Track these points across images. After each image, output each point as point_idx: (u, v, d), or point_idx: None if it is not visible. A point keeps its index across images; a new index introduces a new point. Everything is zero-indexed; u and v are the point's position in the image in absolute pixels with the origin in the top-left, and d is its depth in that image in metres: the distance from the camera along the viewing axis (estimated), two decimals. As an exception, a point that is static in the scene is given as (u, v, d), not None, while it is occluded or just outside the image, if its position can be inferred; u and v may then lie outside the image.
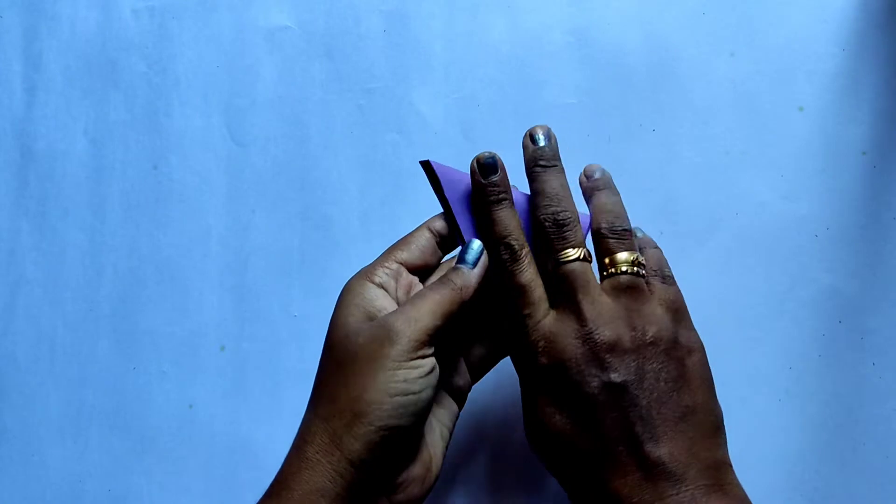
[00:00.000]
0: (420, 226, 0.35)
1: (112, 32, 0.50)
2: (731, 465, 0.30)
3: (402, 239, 0.35)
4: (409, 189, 0.44)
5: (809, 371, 0.39)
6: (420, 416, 0.30)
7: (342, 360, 0.30)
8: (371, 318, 0.31)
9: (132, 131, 0.49)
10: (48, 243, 0.48)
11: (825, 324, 0.39)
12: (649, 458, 0.28)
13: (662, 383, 0.30)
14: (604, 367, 0.30)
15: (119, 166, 0.48)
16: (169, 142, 0.48)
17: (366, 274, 0.33)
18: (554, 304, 0.33)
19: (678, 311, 0.33)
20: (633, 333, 0.31)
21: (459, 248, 0.34)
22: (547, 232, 0.33)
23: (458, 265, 0.33)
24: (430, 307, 0.31)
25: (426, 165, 0.35)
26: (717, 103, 0.42)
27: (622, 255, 0.33)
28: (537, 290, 0.33)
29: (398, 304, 0.33)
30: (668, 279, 0.34)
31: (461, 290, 0.32)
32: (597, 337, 0.30)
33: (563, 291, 0.32)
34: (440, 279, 0.33)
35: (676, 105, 0.42)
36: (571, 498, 0.31)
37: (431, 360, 0.31)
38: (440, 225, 0.35)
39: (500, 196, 0.34)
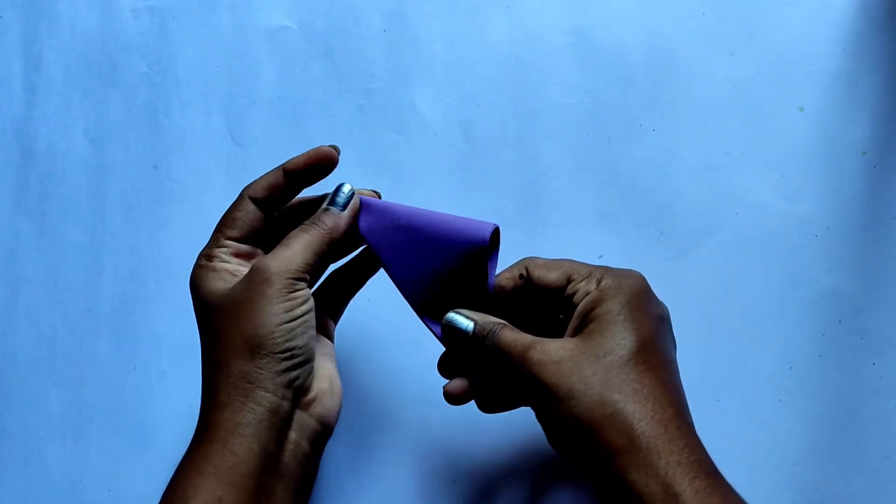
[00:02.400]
0: (240, 195, 0.36)
1: (112, 32, 0.50)
2: None
3: (226, 214, 0.35)
4: (409, 189, 0.44)
5: (810, 371, 0.39)
6: (310, 333, 0.33)
7: (226, 314, 0.32)
8: (224, 281, 0.34)
9: (132, 131, 0.49)
10: (48, 243, 0.48)
11: (825, 324, 0.39)
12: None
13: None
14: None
15: (119, 166, 0.48)
16: (169, 142, 0.48)
17: (206, 265, 0.34)
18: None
19: None
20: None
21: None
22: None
23: (329, 206, 0.35)
24: (301, 247, 0.33)
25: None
26: (718, 103, 0.42)
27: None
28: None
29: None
30: None
31: (331, 230, 0.34)
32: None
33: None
34: (310, 220, 0.34)
35: (677, 105, 0.42)
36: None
37: (307, 292, 0.33)
38: (258, 189, 0.35)
39: None
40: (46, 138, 0.50)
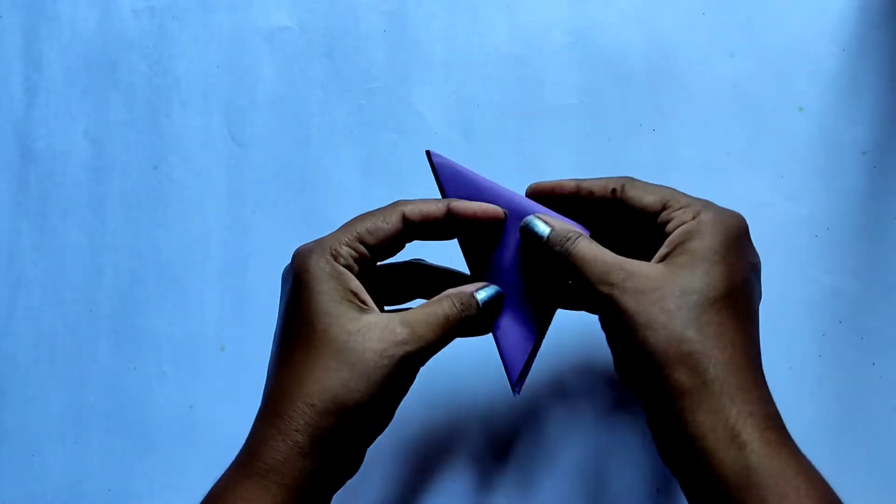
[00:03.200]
0: (393, 206, 0.32)
1: (112, 33, 0.50)
2: None
3: (370, 219, 0.32)
4: (410, 189, 0.44)
5: (810, 371, 0.39)
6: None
7: (336, 356, 0.29)
8: (355, 307, 0.30)
9: (132, 132, 0.49)
10: (48, 244, 0.48)
11: (825, 324, 0.39)
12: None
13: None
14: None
15: (119, 167, 0.48)
16: (169, 142, 0.48)
17: (332, 263, 0.30)
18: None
19: None
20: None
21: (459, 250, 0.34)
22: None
23: (476, 295, 0.32)
24: (441, 327, 0.30)
25: (428, 156, 0.35)
26: (718, 103, 0.42)
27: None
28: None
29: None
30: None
31: (464, 320, 0.31)
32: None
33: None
34: (454, 300, 0.31)
35: (677, 105, 0.42)
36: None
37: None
38: (415, 211, 0.32)
39: None
40: (46, 139, 0.50)
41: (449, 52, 0.45)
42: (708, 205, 0.31)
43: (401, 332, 0.29)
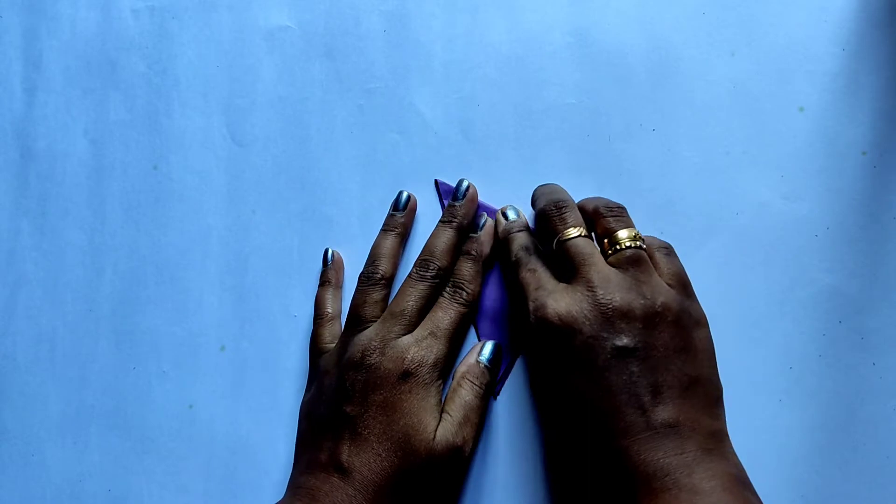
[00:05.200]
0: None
1: (112, 32, 0.50)
2: (728, 436, 0.31)
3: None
4: (409, 189, 0.44)
5: (810, 371, 0.39)
6: None
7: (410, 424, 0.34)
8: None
9: (132, 131, 0.49)
10: (48, 243, 0.48)
11: (825, 324, 0.39)
12: (656, 420, 0.29)
13: (671, 352, 0.31)
14: (615, 330, 0.31)
15: (119, 166, 0.48)
16: (169, 142, 0.48)
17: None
18: (562, 279, 0.34)
19: (685, 285, 0.34)
20: (644, 301, 0.32)
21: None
22: (548, 215, 0.36)
23: (481, 360, 0.38)
24: (477, 412, 0.37)
25: (436, 184, 0.42)
26: (718, 103, 0.42)
27: (623, 233, 0.34)
28: (542, 273, 0.35)
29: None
30: (671, 253, 0.35)
31: (486, 390, 0.38)
32: (607, 302, 0.31)
33: (570, 266, 0.34)
34: (473, 381, 0.37)
35: (677, 105, 0.42)
36: (575, 455, 0.33)
37: None
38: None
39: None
40: (46, 138, 0.50)
41: (449, 52, 0.45)
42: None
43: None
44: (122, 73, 0.49)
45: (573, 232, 0.34)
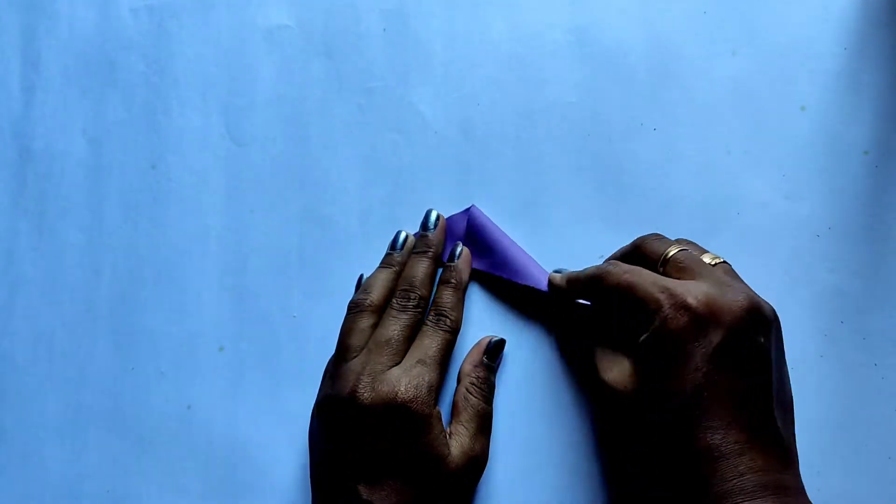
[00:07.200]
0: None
1: (110, 32, 0.50)
2: None
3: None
4: (409, 189, 0.44)
5: (811, 371, 0.38)
6: None
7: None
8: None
9: (130, 131, 0.48)
10: (46, 243, 0.48)
11: (827, 324, 0.39)
12: (781, 439, 0.31)
13: (781, 361, 0.34)
14: (758, 329, 0.32)
15: (117, 166, 0.48)
16: (167, 141, 0.48)
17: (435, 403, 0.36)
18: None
19: None
20: (768, 305, 0.33)
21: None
22: (648, 240, 0.38)
23: (484, 359, 0.40)
24: (488, 419, 0.38)
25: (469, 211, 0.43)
26: (719, 102, 0.42)
27: (706, 256, 0.36)
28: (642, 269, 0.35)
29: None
30: None
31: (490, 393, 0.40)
32: (749, 300, 0.32)
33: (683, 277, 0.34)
34: (475, 396, 0.38)
35: (678, 104, 0.42)
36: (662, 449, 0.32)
37: None
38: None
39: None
40: (44, 138, 0.49)
41: (449, 51, 0.45)
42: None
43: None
44: (120, 72, 0.49)
45: (676, 247, 0.35)
